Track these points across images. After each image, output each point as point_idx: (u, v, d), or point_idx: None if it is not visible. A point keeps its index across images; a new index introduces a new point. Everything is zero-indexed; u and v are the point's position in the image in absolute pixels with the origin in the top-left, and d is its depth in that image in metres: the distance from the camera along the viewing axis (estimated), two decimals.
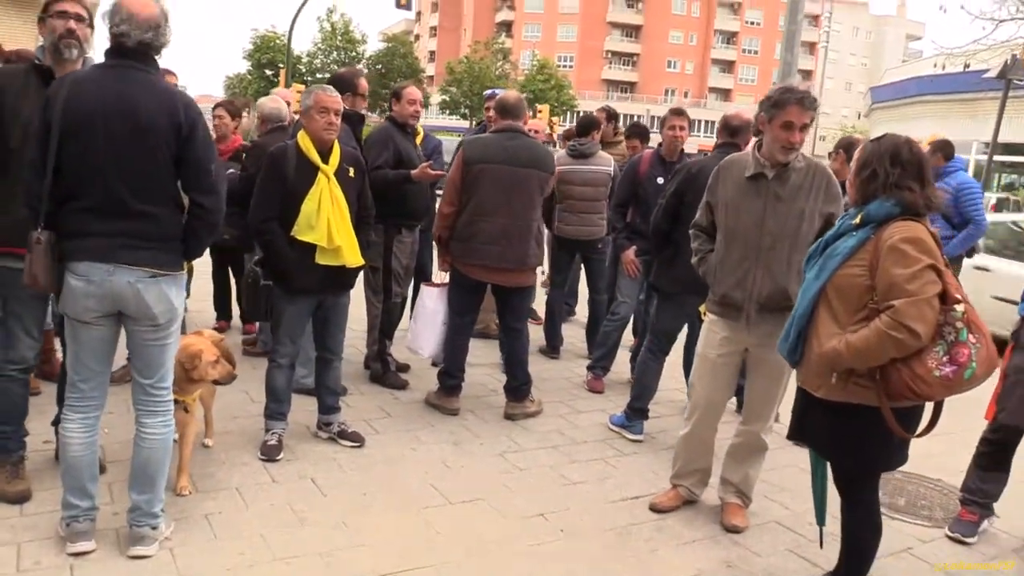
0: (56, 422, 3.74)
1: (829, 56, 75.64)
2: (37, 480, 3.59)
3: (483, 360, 6.11)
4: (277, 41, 53.36)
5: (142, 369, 3.07)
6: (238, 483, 3.80)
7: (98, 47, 3.79)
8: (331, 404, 4.35)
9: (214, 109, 6.00)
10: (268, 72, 54.07)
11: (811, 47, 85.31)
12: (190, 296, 5.80)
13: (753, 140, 3.71)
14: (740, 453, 3.89)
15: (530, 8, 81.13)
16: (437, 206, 5.01)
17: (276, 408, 4.16)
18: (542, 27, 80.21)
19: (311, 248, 3.89)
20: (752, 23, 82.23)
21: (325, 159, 3.94)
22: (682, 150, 5.68)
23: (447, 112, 62.21)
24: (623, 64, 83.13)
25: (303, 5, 25.72)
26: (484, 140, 4.80)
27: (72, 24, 3.24)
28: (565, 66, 74.39)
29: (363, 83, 5.07)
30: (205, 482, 3.77)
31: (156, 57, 3.01)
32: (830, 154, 6.96)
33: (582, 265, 6.64)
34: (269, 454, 4.04)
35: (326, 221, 3.86)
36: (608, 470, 4.40)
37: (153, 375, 3.08)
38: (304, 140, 3.94)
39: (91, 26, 3.37)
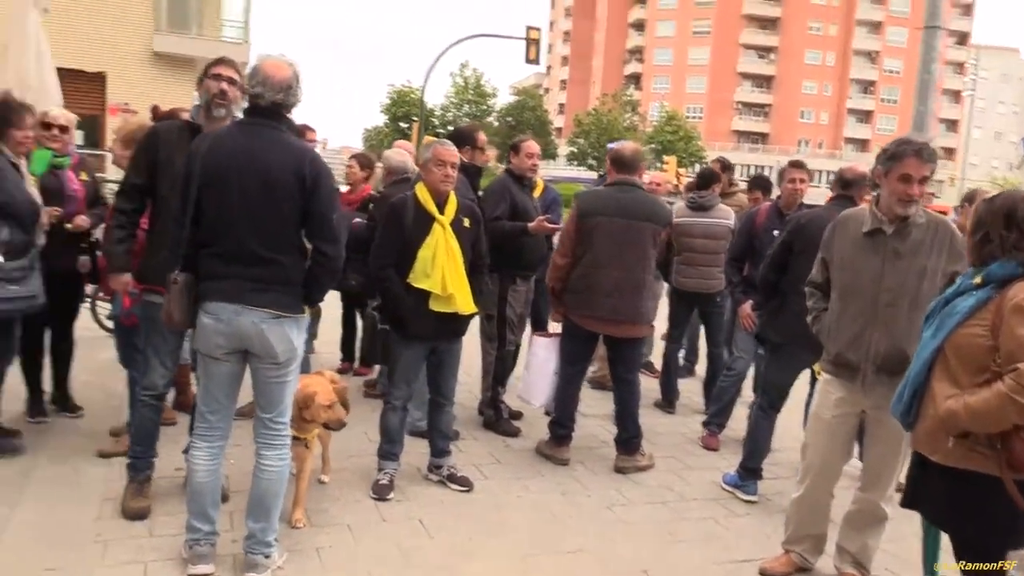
0: (187, 450, 4.02)
1: (976, 104, 71.91)
2: (164, 504, 3.87)
3: (596, 411, 6.11)
4: (412, 95, 55.67)
5: (263, 404, 3.28)
6: (350, 520, 3.94)
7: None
8: (442, 447, 4.46)
9: (348, 160, 6.37)
10: (403, 125, 56.36)
11: (955, 95, 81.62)
12: (317, 338, 6.13)
13: (871, 194, 3.61)
14: (858, 521, 3.71)
15: (659, 61, 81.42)
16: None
17: (389, 448, 4.31)
18: (671, 79, 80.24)
19: (426, 295, 4.05)
20: (891, 72, 79.48)
21: (441, 210, 4.11)
22: (801, 203, 5.57)
23: (575, 163, 62.82)
24: (754, 115, 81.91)
25: (436, 61, 26.88)
26: (599, 193, 4.87)
27: (224, 86, 3.60)
28: (694, 117, 73.99)
29: (482, 137, 5.26)
30: (319, 517, 3.93)
31: (287, 115, 3.27)
32: (955, 208, 6.67)
33: (701, 319, 6.56)
34: (380, 493, 4.18)
35: (440, 269, 4.02)
36: (718, 530, 4.29)
37: (273, 410, 3.28)
38: (422, 191, 4.14)
39: (242, 89, 3.68)
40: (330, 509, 4.04)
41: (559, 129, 77.49)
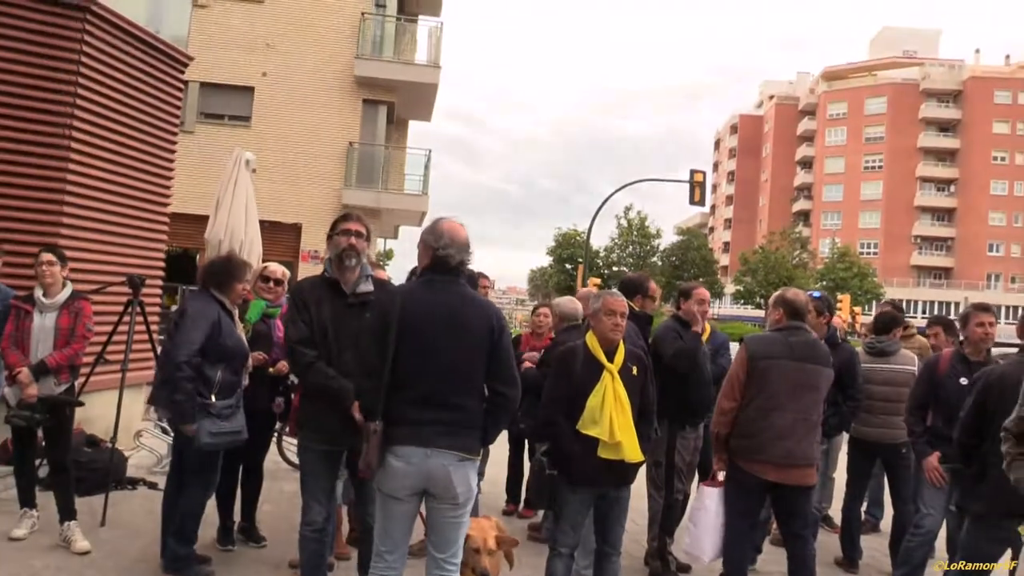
0: None
1: None
2: None
3: (765, 567, 5.79)
4: (577, 238, 57.23)
5: (438, 544, 3.41)
6: None
7: None
8: None
9: (536, 309, 6.85)
10: (568, 266, 57.81)
11: None
12: (483, 478, 6.25)
13: None
14: None
15: (829, 197, 79.85)
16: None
17: None
18: (842, 215, 78.24)
19: (594, 442, 4.10)
20: None
21: (610, 358, 4.22)
22: (989, 350, 5.25)
23: (741, 302, 61.70)
24: (935, 249, 77.83)
25: (603, 205, 27.66)
26: (768, 337, 4.82)
27: (353, 240, 3.99)
28: (869, 253, 71.30)
29: (652, 285, 5.39)
30: None
31: (464, 272, 3.59)
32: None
33: (885, 470, 6.16)
34: None
35: (608, 417, 4.08)
36: None
37: (448, 550, 3.40)
38: (591, 340, 4.27)
39: (368, 240, 4.08)
40: None
41: (724, 268, 76.78)
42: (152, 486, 6.46)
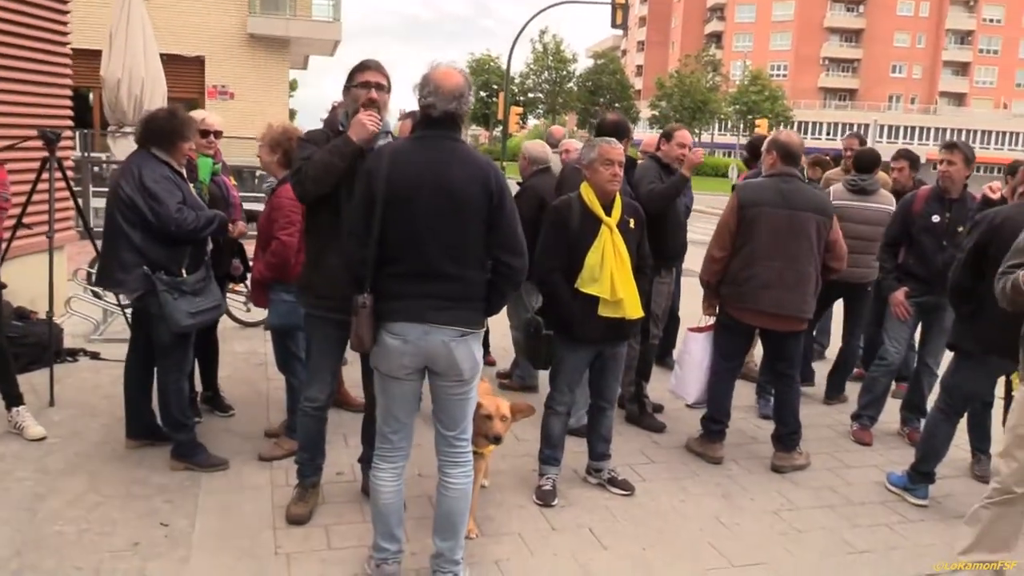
0: (361, 460, 4.03)
1: None
2: (339, 514, 3.88)
3: (737, 403, 5.90)
4: (491, 64, 55.48)
5: (446, 422, 3.21)
6: (519, 528, 3.87)
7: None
8: (602, 451, 4.36)
9: None
10: (483, 93, 56.32)
11: None
12: None
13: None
14: None
15: (741, 18, 78.94)
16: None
17: (551, 454, 4.23)
18: (754, 37, 77.73)
19: (594, 300, 3.92)
20: (990, 20, 75.14)
21: (608, 211, 3.96)
22: (965, 186, 5.21)
23: (656, 127, 61.74)
24: (842, 71, 78.78)
25: (522, 30, 26.54)
26: (760, 184, 4.64)
27: (373, 93, 3.47)
28: (778, 75, 71.67)
29: (629, 127, 5.06)
30: (487, 525, 3.88)
31: (461, 124, 3.15)
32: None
33: (845, 307, 6.24)
34: (545, 499, 4.11)
35: (609, 274, 3.88)
36: (895, 538, 4.08)
37: (456, 427, 3.21)
38: (588, 192, 3.98)
39: (389, 92, 3.57)
40: (496, 516, 3.99)
41: (638, 91, 76.15)
42: (95, 356, 6.05)
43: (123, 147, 11.36)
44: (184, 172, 4.17)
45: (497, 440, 3.63)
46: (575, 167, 4.99)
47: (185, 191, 4.05)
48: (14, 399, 4.57)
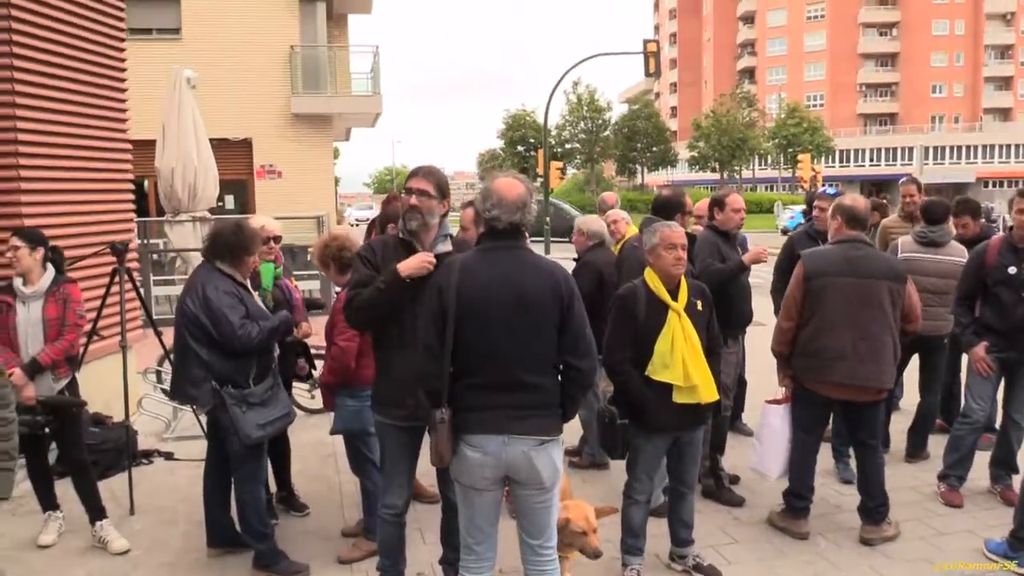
0: (443, 561, 3.98)
1: None
2: None
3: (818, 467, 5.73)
4: (527, 118, 56.11)
5: (531, 530, 3.16)
6: None
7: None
8: (685, 537, 4.25)
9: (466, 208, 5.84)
10: (520, 148, 56.95)
11: None
12: None
13: None
14: None
15: (773, 52, 79.05)
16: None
17: (634, 543, 4.14)
18: (787, 69, 77.70)
19: (667, 387, 3.86)
20: None
21: (675, 296, 3.92)
22: None
23: (696, 168, 61.71)
24: (880, 96, 78.08)
25: (558, 83, 26.87)
26: (826, 252, 4.56)
27: (413, 200, 3.47)
28: (816, 106, 71.28)
29: (689, 201, 5.04)
30: None
31: (526, 232, 3.17)
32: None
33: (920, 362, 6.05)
34: None
35: (680, 360, 3.83)
36: None
37: (541, 536, 3.16)
38: (652, 279, 3.95)
39: (440, 198, 3.51)
40: None
41: (674, 132, 76.26)
42: (168, 456, 6.14)
43: (179, 233, 11.74)
44: (248, 283, 4.24)
45: (597, 555, 3.58)
46: (633, 245, 4.97)
47: (249, 303, 4.12)
48: (98, 512, 4.64)
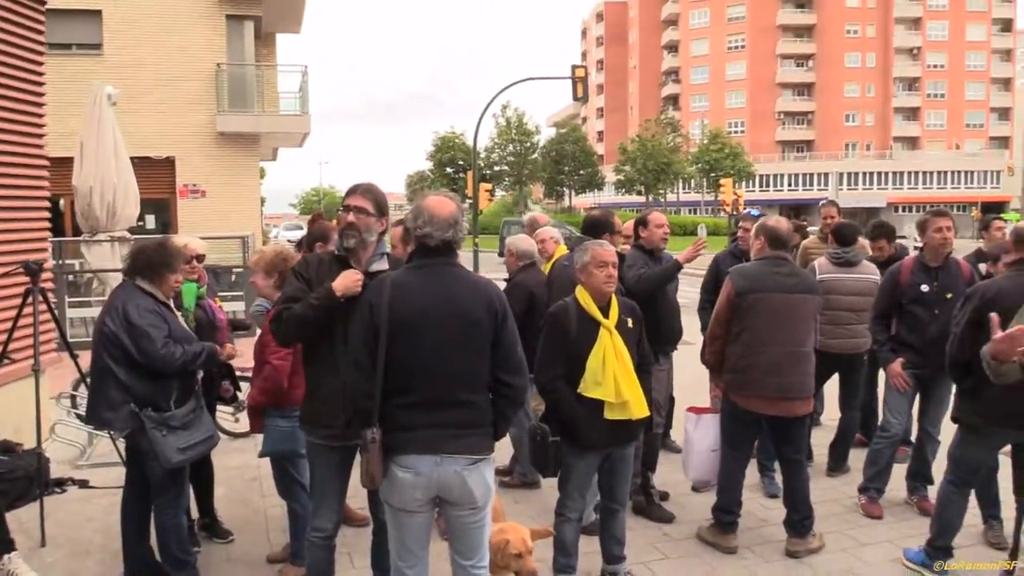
0: None
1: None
2: None
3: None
4: (456, 140, 56.28)
5: (463, 551, 3.12)
6: None
7: None
8: (617, 554, 4.26)
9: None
10: (449, 169, 57.00)
11: (1006, 83, 79.83)
12: None
13: None
14: None
15: (696, 80, 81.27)
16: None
17: (566, 562, 4.13)
18: (709, 97, 79.96)
19: (599, 404, 3.88)
20: (935, 66, 78.00)
21: (606, 313, 3.95)
22: (948, 254, 5.29)
23: (622, 191, 62.73)
24: (797, 123, 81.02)
25: (488, 105, 27.03)
26: (752, 269, 4.67)
27: (350, 217, 3.41)
28: (737, 132, 73.46)
29: (618, 221, 5.11)
30: None
31: (457, 250, 3.16)
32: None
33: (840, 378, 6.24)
34: None
35: (612, 376, 3.85)
36: None
37: (474, 556, 3.13)
38: (584, 296, 3.98)
39: (378, 216, 3.44)
40: None
41: (601, 156, 77.54)
42: (83, 484, 5.86)
43: (97, 254, 11.35)
44: (171, 303, 4.11)
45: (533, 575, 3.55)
46: (563, 264, 5.01)
47: (171, 323, 3.98)
48: (5, 545, 4.39)
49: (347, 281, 3.32)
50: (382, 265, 3.45)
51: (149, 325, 3.84)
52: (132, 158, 11.57)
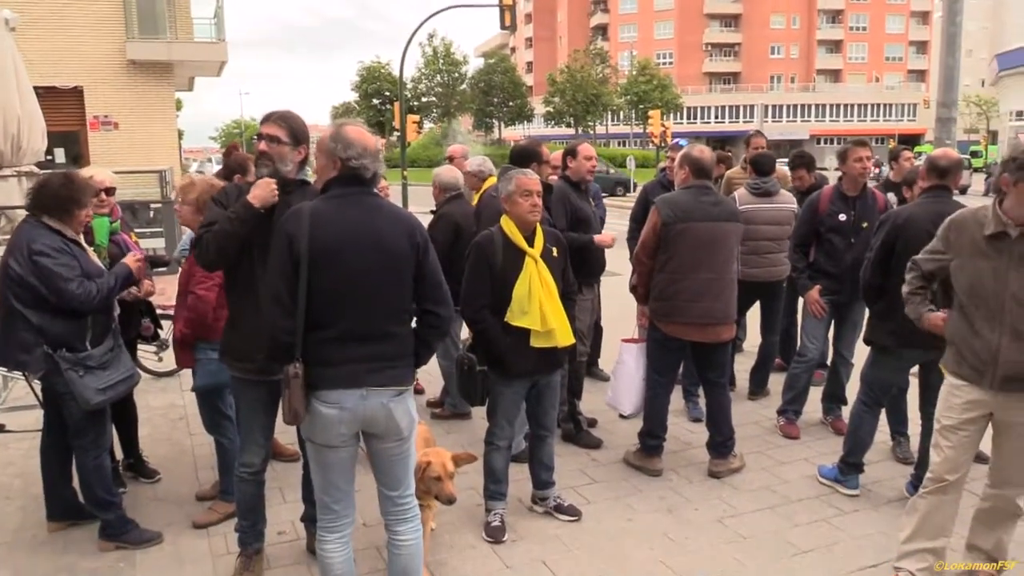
0: (304, 518, 3.91)
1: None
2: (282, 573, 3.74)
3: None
4: (382, 71, 54.89)
5: (389, 483, 3.13)
6: (473, 571, 3.83)
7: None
8: (546, 480, 4.36)
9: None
10: (375, 100, 55.72)
11: (924, 17, 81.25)
12: None
13: (993, 196, 3.45)
14: (990, 518, 3.61)
15: (625, 9, 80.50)
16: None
17: (496, 489, 4.20)
18: (638, 27, 79.41)
19: (525, 332, 3.90)
20: None
21: (531, 242, 3.95)
22: (865, 184, 5.43)
23: (551, 123, 62.35)
24: (724, 55, 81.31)
25: (413, 35, 26.31)
26: (678, 198, 4.70)
27: (262, 145, 3.34)
28: (665, 63, 73.41)
29: (545, 150, 5.06)
30: (441, 570, 3.83)
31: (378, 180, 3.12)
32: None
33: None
34: (494, 536, 4.08)
35: (538, 305, 3.87)
36: (834, 534, 4.21)
37: (400, 486, 3.14)
38: (509, 225, 3.96)
39: (296, 144, 3.35)
40: (448, 560, 3.93)
41: (530, 88, 76.69)
42: (0, 429, 5.68)
43: (3, 190, 10.78)
44: (81, 239, 3.92)
45: (451, 502, 3.59)
46: (491, 195, 4.97)
47: (82, 260, 3.79)
48: None
49: (262, 191, 3.25)
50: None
51: (59, 265, 3.65)
52: (36, 88, 10.91)
